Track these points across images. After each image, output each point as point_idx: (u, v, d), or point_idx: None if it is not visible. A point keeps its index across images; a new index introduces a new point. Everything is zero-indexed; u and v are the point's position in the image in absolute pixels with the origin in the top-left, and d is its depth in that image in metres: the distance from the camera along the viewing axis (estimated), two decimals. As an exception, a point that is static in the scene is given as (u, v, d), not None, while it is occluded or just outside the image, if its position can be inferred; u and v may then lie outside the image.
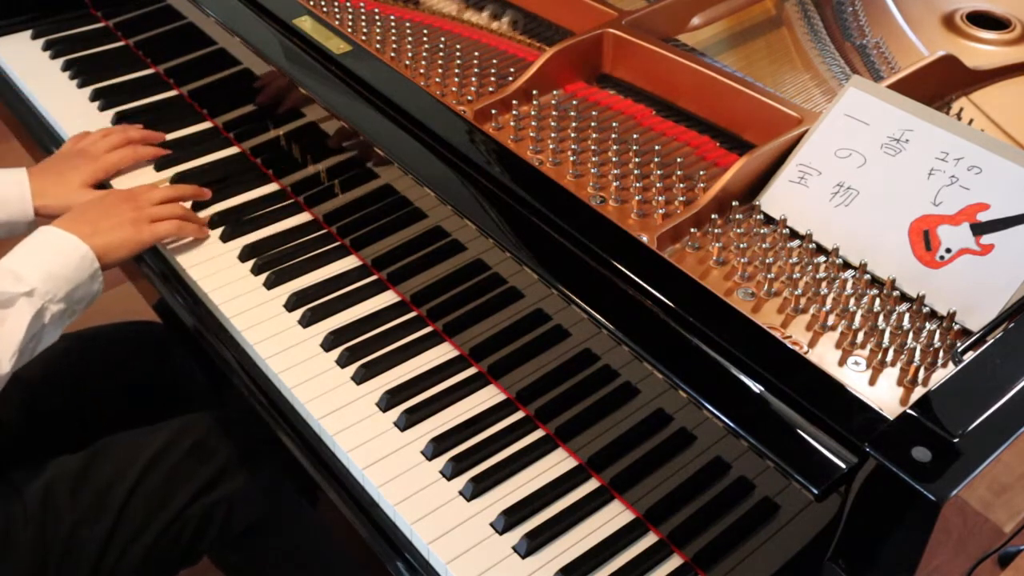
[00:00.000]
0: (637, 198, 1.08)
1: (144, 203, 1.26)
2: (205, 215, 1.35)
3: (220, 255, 1.30)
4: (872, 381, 0.90)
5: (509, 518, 1.01)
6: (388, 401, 1.11)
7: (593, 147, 1.14)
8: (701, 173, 1.10)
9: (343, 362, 1.16)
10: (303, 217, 1.36)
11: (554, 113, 1.20)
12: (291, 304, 1.23)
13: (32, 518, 1.17)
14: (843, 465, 0.80)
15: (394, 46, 1.32)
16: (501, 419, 1.11)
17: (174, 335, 1.45)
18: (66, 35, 1.70)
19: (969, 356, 0.86)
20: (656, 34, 1.28)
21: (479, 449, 1.07)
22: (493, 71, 1.25)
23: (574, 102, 1.23)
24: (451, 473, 1.05)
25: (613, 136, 1.16)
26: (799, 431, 0.84)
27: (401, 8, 1.43)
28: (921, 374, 0.90)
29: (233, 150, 1.48)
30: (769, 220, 1.06)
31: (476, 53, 1.30)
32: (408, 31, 1.35)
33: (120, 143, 1.41)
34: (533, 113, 1.19)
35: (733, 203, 1.07)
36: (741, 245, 1.03)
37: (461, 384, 1.14)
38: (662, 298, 0.94)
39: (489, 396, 1.13)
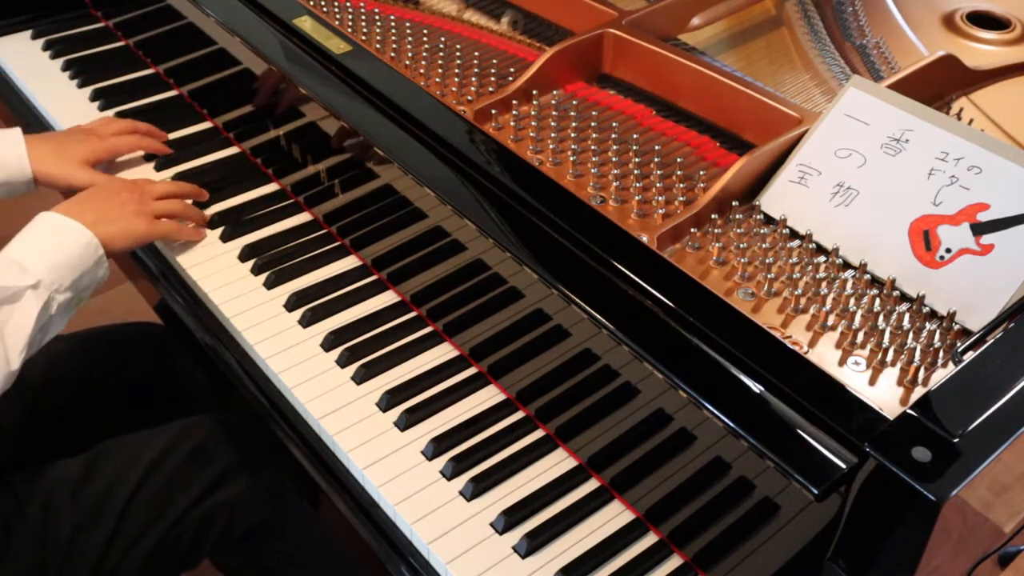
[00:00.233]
0: (637, 198, 1.08)
1: (147, 196, 1.25)
2: (206, 215, 1.35)
3: (220, 255, 1.30)
4: (872, 381, 0.90)
5: (509, 518, 1.01)
6: (388, 401, 1.11)
7: (593, 147, 1.14)
8: (701, 173, 1.10)
9: (343, 362, 1.16)
10: (303, 217, 1.36)
11: (554, 113, 1.20)
12: (291, 304, 1.23)
13: (33, 522, 1.17)
14: (843, 465, 0.80)
15: (394, 46, 1.32)
16: (501, 419, 1.11)
17: (174, 336, 1.45)
18: (66, 35, 1.70)
19: (969, 356, 0.86)
20: (656, 34, 1.28)
21: (479, 449, 1.07)
22: (493, 71, 1.25)
23: (574, 102, 1.23)
24: (451, 473, 1.05)
25: (613, 136, 1.16)
26: (799, 431, 0.84)
27: (401, 8, 1.43)
28: (921, 374, 0.90)
29: (233, 150, 1.48)
30: (769, 220, 1.06)
31: (476, 53, 1.30)
32: (408, 31, 1.35)
33: (127, 130, 1.41)
34: (533, 113, 1.19)
35: (733, 203, 1.07)
36: (741, 245, 1.03)
37: (461, 384, 1.14)
38: (662, 298, 0.94)
39: (489, 396, 1.13)
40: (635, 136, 1.16)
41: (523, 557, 0.99)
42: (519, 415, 1.11)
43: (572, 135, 1.16)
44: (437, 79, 1.26)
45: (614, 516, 1.03)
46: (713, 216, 1.04)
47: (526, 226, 1.04)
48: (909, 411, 0.81)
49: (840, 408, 0.84)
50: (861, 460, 0.80)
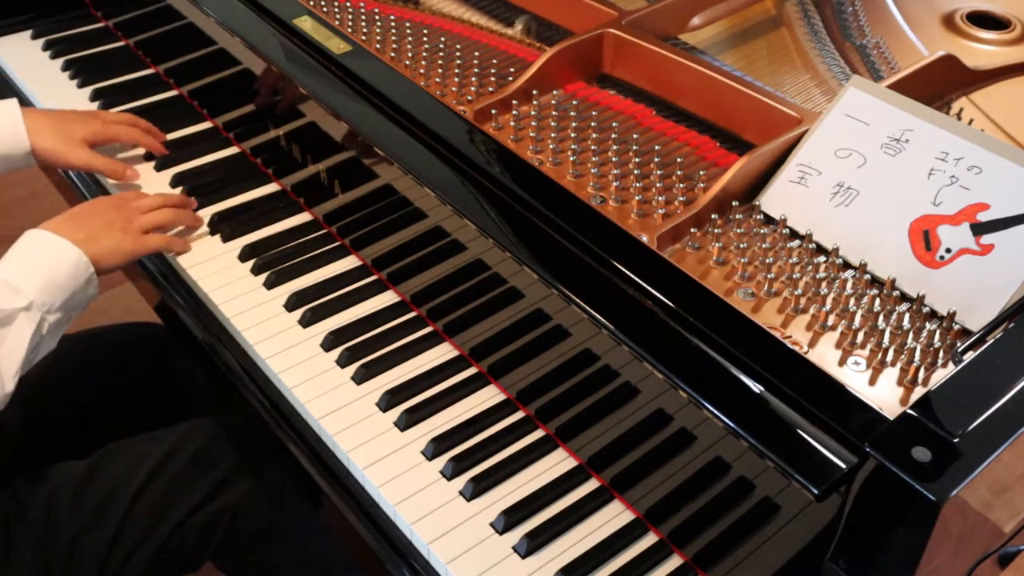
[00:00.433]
0: (637, 198, 1.08)
1: (135, 211, 1.24)
2: (205, 215, 1.34)
3: (220, 255, 1.30)
4: (872, 381, 0.90)
5: (509, 518, 1.01)
6: (388, 401, 1.11)
7: (593, 147, 1.14)
8: (701, 173, 1.10)
9: (343, 362, 1.16)
10: (303, 217, 1.36)
11: (554, 113, 1.20)
12: (291, 304, 1.23)
13: (34, 525, 1.17)
14: (843, 465, 0.80)
15: (394, 46, 1.32)
16: (501, 419, 1.11)
17: (174, 336, 1.45)
18: (66, 35, 1.70)
19: (969, 356, 0.86)
20: (656, 34, 1.28)
21: (479, 449, 1.07)
22: (493, 71, 1.25)
23: (574, 102, 1.23)
24: (451, 473, 1.05)
25: (613, 136, 1.16)
26: (799, 431, 0.84)
27: (401, 8, 1.43)
28: (921, 374, 0.90)
29: (233, 150, 1.48)
30: (769, 220, 1.06)
31: (476, 53, 1.30)
32: (408, 31, 1.35)
33: (128, 122, 1.41)
34: (533, 113, 1.19)
35: (733, 203, 1.07)
36: (741, 245, 1.03)
37: (461, 384, 1.14)
38: (662, 298, 0.94)
39: (489, 396, 1.13)
40: (635, 136, 1.16)
41: (523, 557, 0.99)
42: (519, 415, 1.11)
43: (572, 135, 1.16)
44: (437, 79, 1.26)
45: (614, 516, 1.03)
46: (713, 216, 1.04)
47: (526, 226, 1.04)
48: (909, 411, 0.81)
49: (840, 408, 0.84)
50: (861, 460, 0.80)
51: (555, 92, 1.24)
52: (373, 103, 1.20)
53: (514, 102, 1.19)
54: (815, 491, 0.80)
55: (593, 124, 1.19)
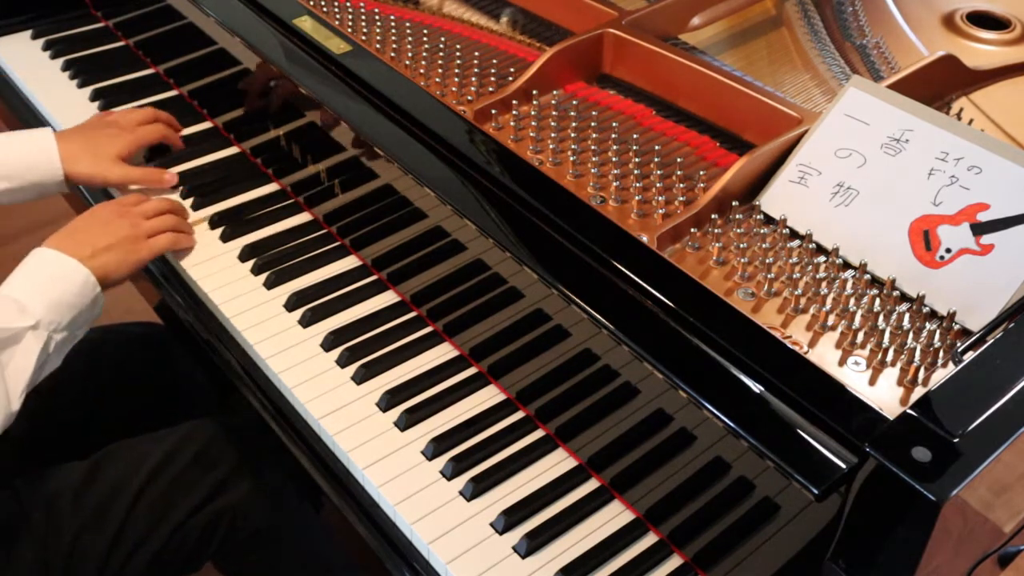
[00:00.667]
0: (637, 198, 1.08)
1: (137, 218, 1.23)
2: (205, 215, 1.34)
3: (220, 255, 1.30)
4: (872, 381, 0.90)
5: (509, 518, 1.01)
6: (388, 401, 1.11)
7: (593, 147, 1.14)
8: (701, 173, 1.10)
9: (343, 362, 1.16)
10: (303, 217, 1.36)
11: (554, 113, 1.20)
12: (291, 304, 1.23)
13: (35, 526, 1.17)
14: (843, 465, 0.80)
15: (394, 46, 1.32)
16: (501, 419, 1.11)
17: (174, 336, 1.45)
18: (66, 35, 1.70)
19: (969, 356, 0.86)
20: (656, 34, 1.28)
21: (479, 449, 1.07)
22: (493, 71, 1.25)
23: (574, 102, 1.23)
24: (451, 473, 1.05)
25: (613, 136, 1.16)
26: (799, 431, 0.84)
27: (401, 8, 1.43)
28: (921, 374, 0.90)
29: (233, 150, 1.48)
30: (769, 220, 1.06)
31: (476, 53, 1.30)
32: (408, 31, 1.35)
33: (149, 118, 1.40)
34: (533, 113, 1.19)
35: (733, 203, 1.07)
36: (741, 245, 1.03)
37: (461, 384, 1.14)
38: (662, 298, 0.94)
39: (489, 396, 1.13)
40: (635, 136, 1.16)
41: (523, 557, 0.99)
42: (519, 415, 1.11)
43: (572, 135, 1.16)
44: (437, 79, 1.26)
45: (614, 516, 1.03)
46: (713, 216, 1.04)
47: (526, 226, 1.04)
48: (909, 411, 0.81)
49: (840, 408, 0.84)
50: (861, 460, 0.80)
51: (555, 92, 1.24)
52: (373, 103, 1.20)
53: (514, 102, 1.19)
54: (815, 491, 0.80)
55: (593, 124, 1.19)
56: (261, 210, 1.37)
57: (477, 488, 1.04)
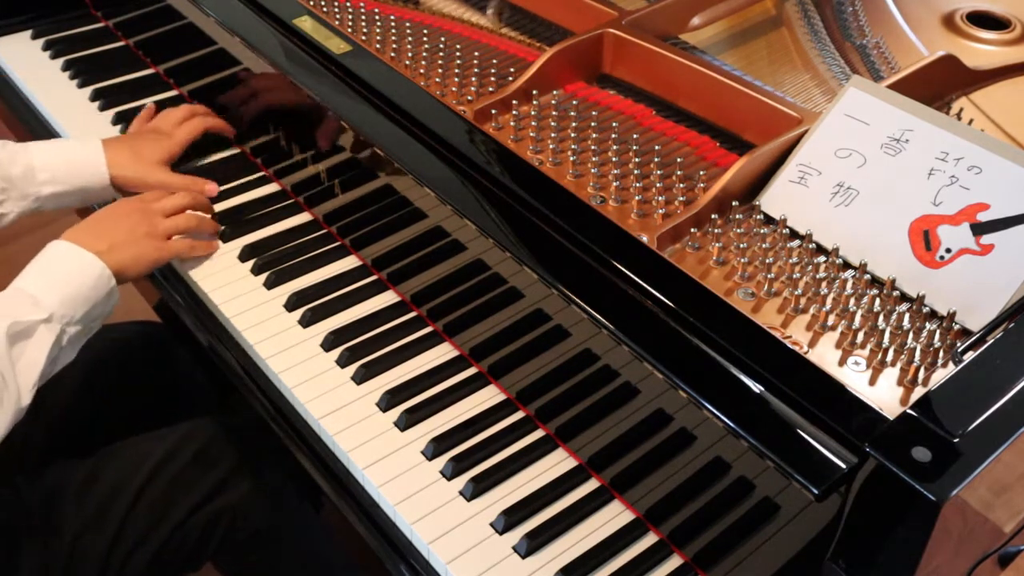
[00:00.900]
0: (637, 198, 1.08)
1: (157, 215, 1.23)
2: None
3: (220, 255, 1.30)
4: (872, 381, 0.90)
5: (509, 518, 1.01)
6: (388, 401, 1.11)
7: (593, 147, 1.14)
8: (701, 173, 1.10)
9: (343, 362, 1.16)
10: (303, 217, 1.36)
11: (554, 113, 1.20)
12: (291, 304, 1.23)
13: (36, 525, 1.17)
14: (843, 465, 0.80)
15: (394, 46, 1.32)
16: (501, 419, 1.11)
17: (174, 336, 1.45)
18: (66, 35, 1.70)
19: (969, 356, 0.86)
20: (656, 34, 1.28)
21: (479, 449, 1.07)
22: (493, 71, 1.25)
23: (574, 102, 1.23)
24: (451, 473, 1.05)
25: (613, 136, 1.16)
26: (799, 431, 0.84)
27: (401, 8, 1.43)
28: (921, 374, 0.90)
29: (233, 150, 1.48)
30: (769, 220, 1.06)
31: (476, 53, 1.30)
32: (408, 31, 1.35)
33: (187, 116, 1.40)
34: (533, 113, 1.19)
35: (733, 203, 1.07)
36: (741, 245, 1.03)
37: (461, 384, 1.14)
38: (662, 298, 0.94)
39: (489, 396, 1.13)
40: (635, 136, 1.16)
41: (523, 557, 0.99)
42: (519, 415, 1.11)
43: (572, 135, 1.16)
44: (437, 79, 1.26)
45: (614, 516, 1.03)
46: (713, 216, 1.04)
47: (526, 226, 1.04)
48: (909, 411, 0.81)
49: (840, 408, 0.84)
50: (861, 460, 0.80)
51: (555, 92, 1.24)
52: (373, 103, 1.20)
53: (514, 102, 1.19)
54: (815, 491, 0.80)
55: (593, 124, 1.19)
56: (261, 210, 1.37)
57: (477, 488, 1.04)
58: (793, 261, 1.01)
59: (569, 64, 1.25)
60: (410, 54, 1.30)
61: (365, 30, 1.35)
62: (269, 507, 1.30)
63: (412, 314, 1.22)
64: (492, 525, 1.01)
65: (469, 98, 1.23)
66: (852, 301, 0.96)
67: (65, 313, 1.08)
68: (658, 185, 1.10)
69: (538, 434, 1.10)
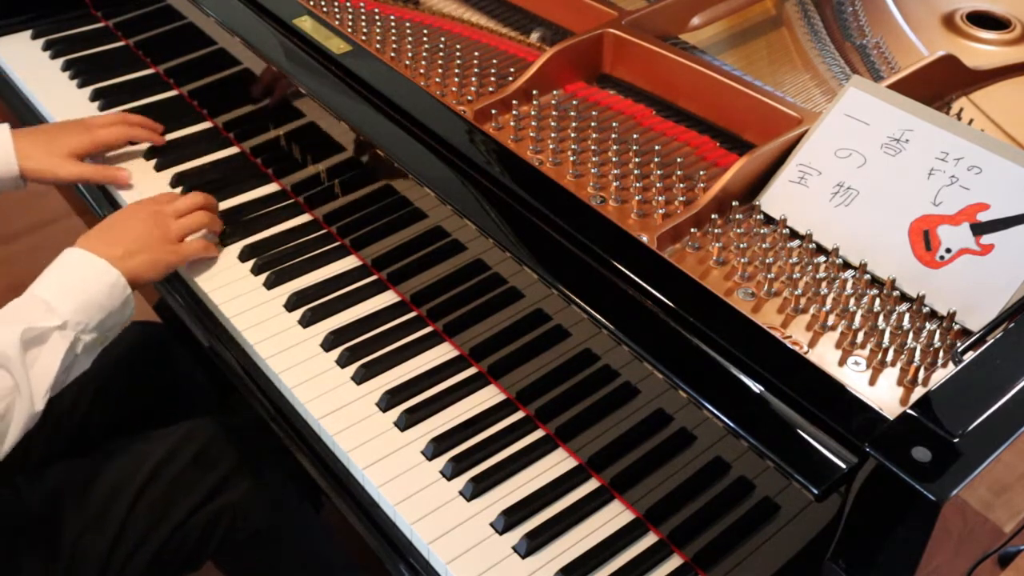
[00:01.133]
0: (637, 198, 1.08)
1: (169, 217, 1.23)
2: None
3: (220, 255, 1.30)
4: (872, 381, 0.90)
5: (509, 518, 1.01)
6: (388, 401, 1.11)
7: (593, 147, 1.14)
8: (701, 173, 1.10)
9: (343, 362, 1.16)
10: (303, 217, 1.36)
11: (554, 113, 1.20)
12: (291, 304, 1.23)
13: (37, 525, 1.17)
14: (843, 465, 0.80)
15: (394, 46, 1.32)
16: (501, 419, 1.11)
17: (174, 336, 1.45)
18: (66, 35, 1.70)
19: (969, 356, 0.86)
20: (656, 34, 1.28)
21: (479, 449, 1.07)
22: (493, 71, 1.25)
23: (574, 102, 1.23)
24: (451, 473, 1.05)
25: (613, 136, 1.16)
26: (799, 431, 0.84)
27: (401, 8, 1.43)
28: (921, 374, 0.90)
29: (233, 150, 1.48)
30: (769, 220, 1.06)
31: (476, 53, 1.30)
32: (408, 31, 1.35)
33: (115, 121, 1.41)
34: (533, 113, 1.19)
35: (733, 203, 1.07)
36: (741, 245, 1.03)
37: (461, 384, 1.14)
38: (662, 298, 0.94)
39: (489, 396, 1.13)
40: (635, 136, 1.16)
41: (523, 557, 0.99)
42: (519, 415, 1.11)
43: (572, 135, 1.16)
44: (437, 79, 1.26)
45: (614, 516, 1.03)
46: (713, 216, 1.04)
47: (526, 226, 1.04)
48: (909, 411, 0.81)
49: (840, 408, 0.84)
50: (861, 460, 0.80)
51: (555, 92, 1.24)
52: (373, 103, 1.20)
53: (514, 102, 1.19)
54: (815, 491, 0.80)
55: (593, 124, 1.19)
56: (261, 210, 1.37)
57: (477, 488, 1.04)
58: (793, 261, 1.01)
59: (569, 64, 1.25)
60: (410, 54, 1.30)
61: (365, 30, 1.35)
62: (269, 507, 1.30)
63: (412, 314, 1.22)
64: (492, 525, 1.01)
65: (469, 98, 1.23)
66: (852, 301, 0.96)
67: (80, 320, 1.07)
68: (658, 185, 1.10)
69: (538, 434, 1.10)
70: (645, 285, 0.95)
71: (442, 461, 1.06)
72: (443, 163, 1.12)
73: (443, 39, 1.32)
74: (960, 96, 1.24)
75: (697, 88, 1.20)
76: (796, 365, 0.88)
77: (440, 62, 1.27)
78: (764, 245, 1.03)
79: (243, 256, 1.29)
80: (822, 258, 1.01)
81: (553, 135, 1.16)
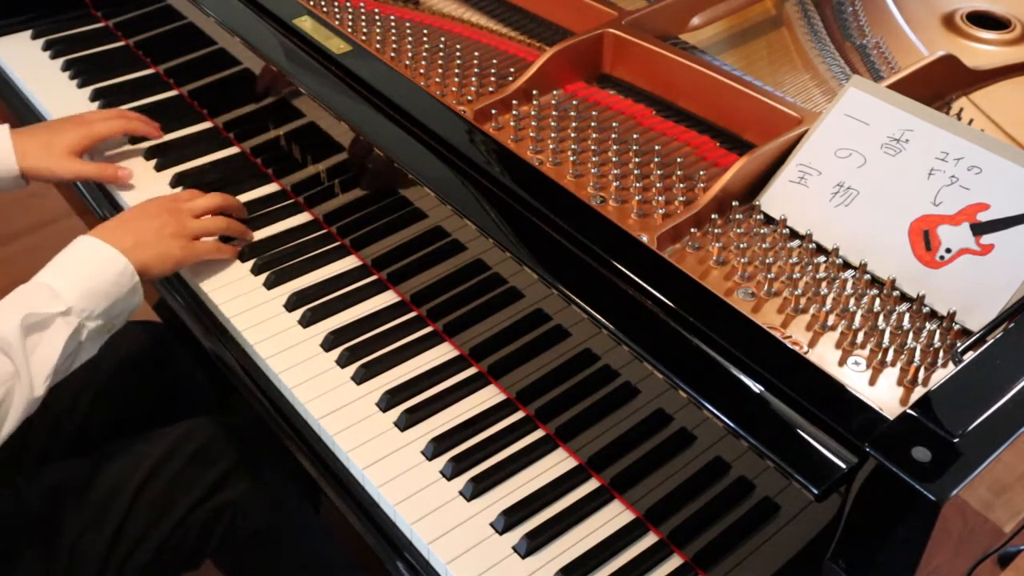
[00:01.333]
0: (637, 198, 1.08)
1: (186, 215, 1.23)
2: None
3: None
4: (872, 381, 0.90)
5: (509, 518, 1.01)
6: (388, 401, 1.11)
7: (593, 147, 1.14)
8: (701, 173, 1.10)
9: (343, 362, 1.16)
10: (303, 217, 1.36)
11: (554, 113, 1.20)
12: (291, 304, 1.23)
13: (36, 524, 1.17)
14: (843, 465, 0.80)
15: (394, 46, 1.32)
16: (501, 419, 1.11)
17: (174, 335, 1.45)
18: (66, 35, 1.70)
19: (969, 356, 0.86)
20: (656, 34, 1.28)
21: (479, 449, 1.07)
22: (493, 71, 1.25)
23: (574, 102, 1.23)
24: (451, 473, 1.05)
25: (613, 136, 1.16)
26: (799, 431, 0.84)
27: (401, 8, 1.43)
28: (921, 374, 0.90)
29: (233, 150, 1.48)
30: (769, 220, 1.06)
31: (476, 53, 1.30)
32: (408, 31, 1.35)
33: (113, 116, 1.41)
34: (533, 113, 1.19)
35: (733, 203, 1.07)
36: (741, 245, 1.03)
37: (461, 384, 1.14)
38: (662, 298, 0.94)
39: (489, 396, 1.13)
40: (635, 136, 1.16)
41: (523, 557, 0.99)
42: (519, 415, 1.11)
43: (572, 135, 1.16)
44: (437, 79, 1.26)
45: (614, 516, 1.03)
46: (713, 216, 1.04)
47: (526, 226, 1.04)
48: (909, 411, 0.81)
49: (840, 408, 0.84)
50: (861, 460, 0.80)
51: (555, 92, 1.24)
52: (373, 103, 1.20)
53: (514, 102, 1.19)
54: (815, 491, 0.80)
55: (593, 124, 1.19)
56: (261, 210, 1.36)
57: (477, 488, 1.04)
58: (793, 261, 1.01)
59: (569, 64, 1.25)
60: (410, 54, 1.30)
61: (365, 30, 1.35)
62: (269, 507, 1.30)
63: (412, 314, 1.22)
64: (492, 525, 1.01)
65: (469, 98, 1.23)
66: (852, 301, 0.96)
67: (85, 307, 1.07)
68: (658, 185, 1.10)
69: (538, 434, 1.10)
70: (645, 285, 0.95)
71: (442, 461, 1.06)
72: (443, 163, 1.12)
73: (443, 39, 1.32)
74: (960, 96, 1.24)
75: (697, 88, 1.20)
76: (796, 365, 0.88)
77: (440, 62, 1.27)
78: (764, 245, 1.03)
79: (243, 256, 1.29)
80: (822, 258, 1.01)
81: (553, 135, 1.16)
